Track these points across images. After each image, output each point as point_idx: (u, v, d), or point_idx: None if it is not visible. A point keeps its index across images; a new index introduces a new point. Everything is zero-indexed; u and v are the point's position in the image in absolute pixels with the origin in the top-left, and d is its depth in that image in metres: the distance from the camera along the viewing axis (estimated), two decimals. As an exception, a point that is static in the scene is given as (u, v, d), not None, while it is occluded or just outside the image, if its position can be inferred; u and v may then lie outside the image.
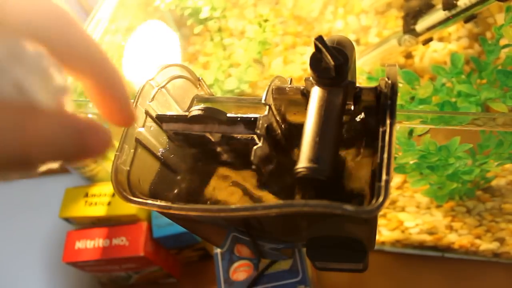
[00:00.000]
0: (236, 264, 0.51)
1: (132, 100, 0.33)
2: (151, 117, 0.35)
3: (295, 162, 0.29)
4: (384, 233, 0.60)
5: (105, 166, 0.65)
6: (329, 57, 0.29)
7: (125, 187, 0.32)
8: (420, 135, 0.46)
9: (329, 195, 0.28)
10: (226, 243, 0.43)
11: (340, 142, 0.32)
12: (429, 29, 0.54)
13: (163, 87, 0.36)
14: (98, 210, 0.59)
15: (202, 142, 0.36)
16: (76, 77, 0.25)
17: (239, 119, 0.34)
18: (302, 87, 0.34)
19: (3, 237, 0.76)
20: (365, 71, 0.56)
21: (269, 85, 0.33)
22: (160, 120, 0.36)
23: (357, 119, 0.34)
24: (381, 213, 0.60)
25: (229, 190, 0.36)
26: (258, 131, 0.32)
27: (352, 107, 0.33)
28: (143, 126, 0.35)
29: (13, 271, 0.73)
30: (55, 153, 0.23)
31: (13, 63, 0.22)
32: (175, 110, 0.38)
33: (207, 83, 0.39)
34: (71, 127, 0.23)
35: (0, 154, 0.21)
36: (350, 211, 0.26)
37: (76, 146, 0.23)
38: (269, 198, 0.35)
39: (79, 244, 0.58)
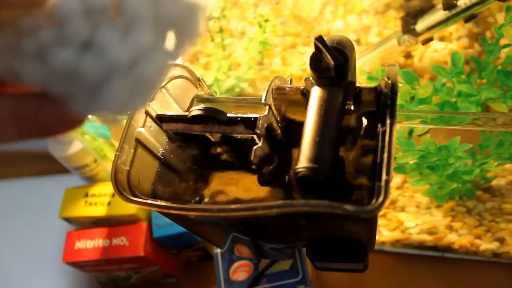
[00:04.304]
0: (236, 264, 0.51)
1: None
2: (151, 117, 0.35)
3: (295, 162, 0.29)
4: (384, 233, 0.60)
5: (105, 166, 0.65)
6: (329, 57, 0.29)
7: (125, 187, 0.32)
8: (420, 135, 0.46)
9: (329, 195, 0.28)
10: (226, 243, 0.43)
11: (340, 142, 0.32)
12: (429, 29, 0.54)
13: (163, 87, 0.36)
14: (98, 210, 0.59)
15: (202, 142, 0.36)
16: None
17: (239, 119, 0.34)
18: (302, 87, 0.34)
19: (3, 237, 0.76)
20: (365, 71, 0.56)
21: (269, 85, 0.33)
22: (160, 120, 0.36)
23: (357, 118, 0.34)
24: (381, 213, 0.60)
25: (229, 190, 0.36)
26: (258, 131, 0.32)
27: (352, 107, 0.33)
28: (143, 126, 0.35)
29: (13, 271, 0.73)
30: None
31: None
32: (175, 110, 0.38)
33: (207, 83, 0.39)
34: None
35: None
36: (350, 211, 0.26)
37: None
38: (269, 198, 0.35)
39: (79, 244, 0.58)
